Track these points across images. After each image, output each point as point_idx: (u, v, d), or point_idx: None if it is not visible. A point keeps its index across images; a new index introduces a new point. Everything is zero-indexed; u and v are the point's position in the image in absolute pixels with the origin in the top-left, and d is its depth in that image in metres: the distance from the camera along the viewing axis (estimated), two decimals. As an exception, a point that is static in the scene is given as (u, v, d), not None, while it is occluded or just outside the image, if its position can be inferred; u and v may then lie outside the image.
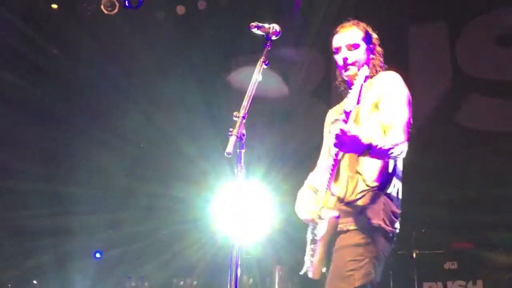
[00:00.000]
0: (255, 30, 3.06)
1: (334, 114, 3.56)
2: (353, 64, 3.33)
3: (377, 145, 2.94)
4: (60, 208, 7.47)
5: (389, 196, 3.19)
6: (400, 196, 3.28)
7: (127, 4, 6.69)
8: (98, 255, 7.73)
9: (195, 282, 7.45)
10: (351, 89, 3.01)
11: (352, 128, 2.86)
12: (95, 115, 7.61)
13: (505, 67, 6.58)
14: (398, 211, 3.25)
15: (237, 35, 6.90)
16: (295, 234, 4.30)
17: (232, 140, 2.56)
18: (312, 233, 3.30)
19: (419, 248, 6.32)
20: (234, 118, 2.65)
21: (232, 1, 7.03)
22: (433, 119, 6.90)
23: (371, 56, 3.41)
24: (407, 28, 7.01)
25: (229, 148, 2.53)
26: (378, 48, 3.46)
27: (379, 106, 3.21)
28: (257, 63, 2.92)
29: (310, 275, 3.28)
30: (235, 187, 2.61)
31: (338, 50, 3.38)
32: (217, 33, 7.12)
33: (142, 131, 7.55)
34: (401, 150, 3.07)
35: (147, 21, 7.06)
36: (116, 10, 6.74)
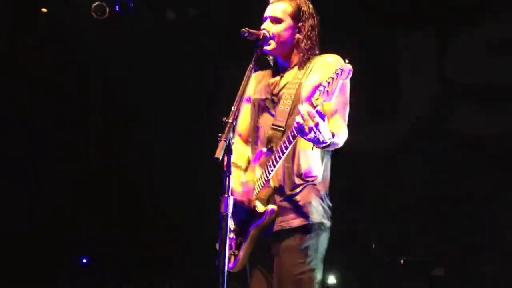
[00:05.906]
0: (246, 36, 3.04)
1: (259, 77, 3.32)
2: (272, 38, 3.13)
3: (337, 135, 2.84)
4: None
5: (325, 188, 3.08)
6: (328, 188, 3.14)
7: (117, 9, 6.64)
8: (84, 260, 7.63)
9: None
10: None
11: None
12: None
13: (494, 74, 6.59)
14: (331, 204, 3.12)
15: (227, 40, 6.89)
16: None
17: (221, 145, 2.55)
18: (240, 223, 3.10)
19: (406, 255, 6.35)
20: (223, 123, 2.64)
21: (222, 8, 7.01)
22: (422, 127, 6.94)
23: (297, 35, 3.15)
24: (394, 36, 7.01)
25: (218, 153, 2.52)
26: (310, 32, 3.15)
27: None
28: (247, 68, 2.89)
29: (229, 266, 3.00)
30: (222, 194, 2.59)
31: (264, 20, 3.21)
32: (206, 39, 7.07)
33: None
34: (345, 138, 2.98)
35: (133, 27, 6.94)
36: (106, 15, 6.67)
